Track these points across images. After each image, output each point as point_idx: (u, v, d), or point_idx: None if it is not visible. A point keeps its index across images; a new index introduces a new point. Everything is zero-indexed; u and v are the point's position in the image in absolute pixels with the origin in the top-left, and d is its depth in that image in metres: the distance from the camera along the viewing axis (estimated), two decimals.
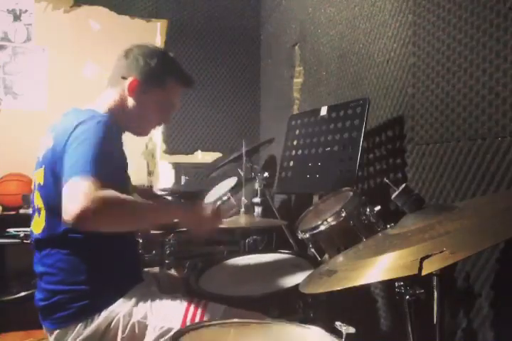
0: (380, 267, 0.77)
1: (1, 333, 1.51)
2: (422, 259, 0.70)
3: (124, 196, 1.09)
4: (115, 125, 1.25)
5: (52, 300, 1.22)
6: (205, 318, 1.19)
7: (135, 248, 1.53)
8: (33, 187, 1.34)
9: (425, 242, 0.77)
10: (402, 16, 1.74)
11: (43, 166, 1.25)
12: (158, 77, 1.37)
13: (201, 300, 1.26)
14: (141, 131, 1.45)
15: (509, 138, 1.27)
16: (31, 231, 1.32)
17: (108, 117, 1.24)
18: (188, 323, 1.17)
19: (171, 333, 1.10)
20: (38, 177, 1.28)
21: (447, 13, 1.50)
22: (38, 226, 1.28)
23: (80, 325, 1.19)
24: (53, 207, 1.21)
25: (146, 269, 1.56)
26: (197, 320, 1.19)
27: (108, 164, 1.13)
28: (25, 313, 1.30)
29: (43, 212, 1.25)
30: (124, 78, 1.35)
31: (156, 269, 1.68)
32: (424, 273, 0.69)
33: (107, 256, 1.26)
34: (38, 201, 1.28)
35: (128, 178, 1.40)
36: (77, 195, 1.02)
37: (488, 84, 1.34)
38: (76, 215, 0.99)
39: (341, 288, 0.77)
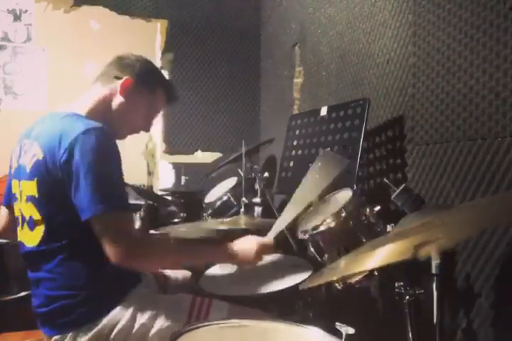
0: (377, 257, 0.78)
1: (1, 333, 1.51)
2: (417, 245, 0.71)
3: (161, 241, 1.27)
4: (108, 131, 1.22)
5: (52, 306, 1.21)
6: (209, 317, 1.19)
7: None
8: (18, 196, 1.29)
9: (421, 233, 0.78)
10: (402, 16, 1.74)
11: (35, 179, 1.21)
12: (151, 83, 1.41)
13: (204, 298, 1.26)
14: (120, 132, 1.40)
15: (509, 138, 1.27)
16: (21, 243, 1.29)
17: (101, 125, 1.21)
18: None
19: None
20: (28, 188, 1.24)
21: (447, 13, 1.49)
22: (30, 239, 1.25)
23: (81, 330, 1.17)
24: (56, 220, 1.20)
25: None
26: (202, 319, 1.19)
27: (120, 187, 1.20)
28: (25, 313, 1.29)
29: (41, 225, 1.22)
30: (117, 78, 1.36)
31: None
32: (419, 257, 0.70)
33: (107, 259, 1.22)
34: (30, 212, 1.24)
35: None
36: (117, 236, 1.13)
37: (488, 84, 1.34)
38: (118, 261, 1.12)
39: (339, 276, 0.78)
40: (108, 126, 1.31)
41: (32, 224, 1.24)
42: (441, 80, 1.52)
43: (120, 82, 1.35)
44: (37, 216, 1.22)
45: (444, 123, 1.51)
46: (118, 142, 1.35)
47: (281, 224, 1.40)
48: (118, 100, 1.36)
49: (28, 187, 1.23)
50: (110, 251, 1.11)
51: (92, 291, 1.20)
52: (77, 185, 1.13)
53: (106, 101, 1.35)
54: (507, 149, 1.28)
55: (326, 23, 2.38)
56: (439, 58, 1.54)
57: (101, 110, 1.33)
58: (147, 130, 1.47)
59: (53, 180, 1.17)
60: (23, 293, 2.17)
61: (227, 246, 1.33)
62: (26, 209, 1.25)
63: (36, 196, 1.22)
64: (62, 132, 1.18)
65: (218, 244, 1.36)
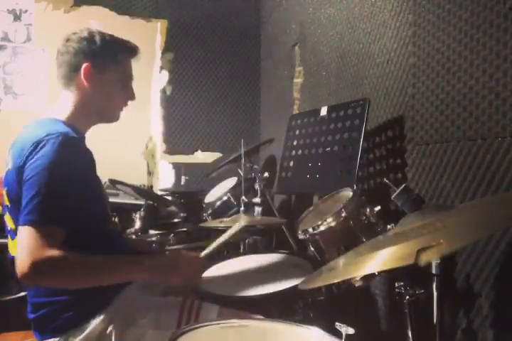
0: (378, 260, 0.78)
1: (1, 333, 1.51)
2: (419, 251, 0.71)
3: (71, 257, 1.07)
4: (76, 138, 1.18)
5: (38, 313, 1.20)
6: (200, 319, 1.18)
7: (123, 251, 1.37)
8: (2, 206, 1.29)
9: (423, 236, 0.78)
10: (402, 16, 1.74)
11: (6, 188, 1.20)
12: (109, 55, 1.31)
13: (194, 301, 1.24)
14: (112, 115, 1.37)
15: (509, 138, 1.27)
16: (9, 253, 1.26)
17: (67, 129, 1.18)
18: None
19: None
20: (4, 197, 1.22)
21: (447, 13, 1.49)
22: (12, 248, 1.22)
23: (69, 335, 1.16)
24: None
25: None
26: (192, 321, 1.17)
27: (61, 203, 1.10)
28: (25, 313, 1.29)
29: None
30: (75, 71, 1.27)
31: None
32: (421, 263, 0.70)
33: None
34: (8, 222, 1.22)
35: (104, 198, 1.35)
36: (25, 252, 1.04)
37: (488, 85, 1.34)
38: (22, 275, 1.05)
39: (340, 280, 0.77)
40: (98, 116, 1.33)
41: (11, 234, 1.22)
42: (441, 80, 1.52)
43: (81, 71, 1.26)
44: (12, 225, 1.20)
45: (444, 123, 1.51)
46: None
47: (213, 244, 1.34)
48: (89, 89, 1.29)
49: (4, 197, 1.22)
50: (17, 264, 1.05)
51: (76, 296, 1.17)
52: (24, 190, 1.10)
53: (80, 98, 1.30)
54: (507, 149, 1.28)
55: (326, 23, 2.38)
56: (439, 58, 1.54)
57: (80, 107, 1.29)
58: (133, 98, 1.38)
59: (17, 188, 1.14)
60: (23, 293, 2.17)
61: (145, 262, 1.22)
62: (7, 219, 1.24)
63: (9, 206, 1.20)
64: (26, 139, 1.15)
65: (137, 260, 1.24)
